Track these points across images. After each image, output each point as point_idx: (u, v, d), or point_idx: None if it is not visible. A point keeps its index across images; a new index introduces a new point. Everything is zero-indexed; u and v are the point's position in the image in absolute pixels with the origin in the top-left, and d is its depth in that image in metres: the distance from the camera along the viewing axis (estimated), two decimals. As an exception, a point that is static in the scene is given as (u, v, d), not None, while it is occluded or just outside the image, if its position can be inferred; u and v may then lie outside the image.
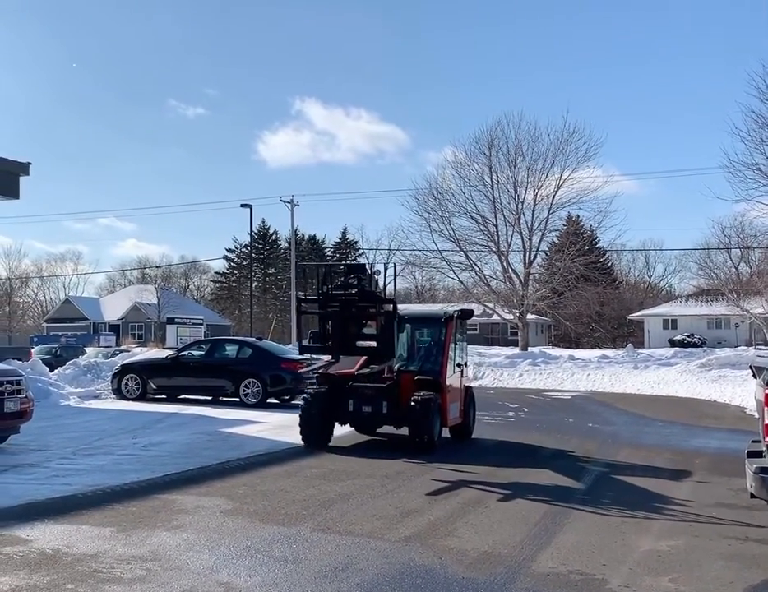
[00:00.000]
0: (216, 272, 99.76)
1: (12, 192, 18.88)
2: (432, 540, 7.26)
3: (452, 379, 13.28)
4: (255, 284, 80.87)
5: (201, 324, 57.86)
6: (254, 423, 15.75)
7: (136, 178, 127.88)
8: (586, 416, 19.15)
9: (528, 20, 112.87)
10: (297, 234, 70.09)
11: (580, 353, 39.49)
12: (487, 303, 46.75)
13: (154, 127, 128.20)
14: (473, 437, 14.39)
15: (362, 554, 6.73)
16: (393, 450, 12.69)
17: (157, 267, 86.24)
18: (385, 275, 54.76)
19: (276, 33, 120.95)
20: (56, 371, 24.13)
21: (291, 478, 10.19)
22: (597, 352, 41.99)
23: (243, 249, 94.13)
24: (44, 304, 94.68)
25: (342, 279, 12.56)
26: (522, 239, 43.81)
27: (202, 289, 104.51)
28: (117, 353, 35.72)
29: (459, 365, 13.73)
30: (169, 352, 24.49)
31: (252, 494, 9.13)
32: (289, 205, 54.67)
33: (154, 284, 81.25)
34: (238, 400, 19.80)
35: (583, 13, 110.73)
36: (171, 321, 56.62)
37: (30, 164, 18.85)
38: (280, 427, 15.31)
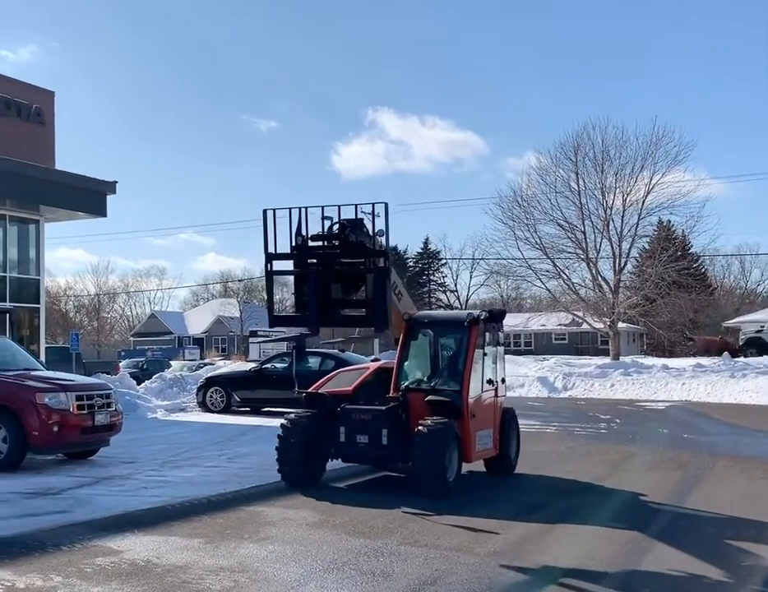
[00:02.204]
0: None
1: (100, 211, 19.45)
2: (522, 554, 7.03)
3: (480, 399, 10.41)
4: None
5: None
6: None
7: (212, 193, 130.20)
8: (681, 427, 18.46)
9: (614, 22, 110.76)
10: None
11: (673, 363, 38.23)
12: (576, 312, 45.84)
13: (228, 141, 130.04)
14: (516, 471, 11.44)
15: (450, 568, 6.55)
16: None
17: (239, 281, 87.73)
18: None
19: (347, 43, 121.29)
20: (143, 384, 24.66)
21: (376, 490, 10.05)
22: (691, 361, 40.58)
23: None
24: (131, 319, 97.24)
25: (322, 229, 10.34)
26: (611, 246, 42.75)
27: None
28: (202, 367, 36.35)
29: (490, 381, 10.68)
30: (253, 365, 24.77)
31: (338, 506, 9.04)
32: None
33: (237, 297, 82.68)
34: (321, 411, 19.79)
35: (669, 17, 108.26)
36: (254, 333, 57.38)
37: (116, 182, 19.38)
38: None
